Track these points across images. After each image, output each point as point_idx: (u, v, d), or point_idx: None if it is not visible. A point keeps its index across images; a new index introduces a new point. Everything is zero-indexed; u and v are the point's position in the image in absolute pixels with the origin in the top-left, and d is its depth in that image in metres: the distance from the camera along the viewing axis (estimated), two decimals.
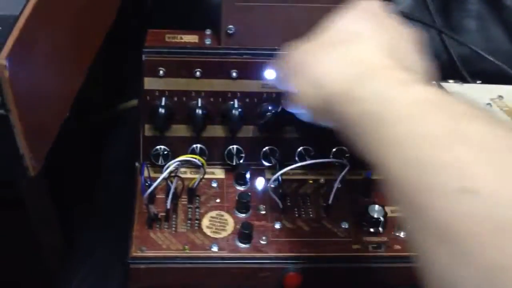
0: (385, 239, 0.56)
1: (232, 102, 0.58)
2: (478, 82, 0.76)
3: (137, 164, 0.59)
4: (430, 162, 0.33)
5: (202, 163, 0.56)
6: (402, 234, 0.56)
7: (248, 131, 0.59)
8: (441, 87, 0.71)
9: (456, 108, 0.35)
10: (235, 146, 0.59)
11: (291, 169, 0.57)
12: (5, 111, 0.35)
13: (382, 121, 0.36)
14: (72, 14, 0.44)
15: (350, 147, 0.57)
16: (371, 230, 0.56)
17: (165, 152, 0.58)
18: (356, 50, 0.42)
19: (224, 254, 0.53)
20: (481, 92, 0.72)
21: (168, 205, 0.55)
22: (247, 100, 0.58)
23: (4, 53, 0.33)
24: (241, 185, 0.59)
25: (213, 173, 0.60)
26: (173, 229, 0.55)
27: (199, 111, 0.57)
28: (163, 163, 0.57)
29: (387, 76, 0.39)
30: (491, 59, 0.79)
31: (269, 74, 0.56)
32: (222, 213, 0.57)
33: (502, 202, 0.29)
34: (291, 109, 0.49)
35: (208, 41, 0.58)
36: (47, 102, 0.40)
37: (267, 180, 0.59)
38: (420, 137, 0.34)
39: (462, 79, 0.77)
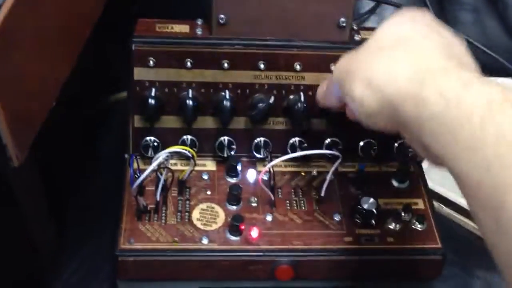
0: (377, 231, 0.55)
1: (223, 93, 0.57)
2: None
3: (126, 155, 0.58)
4: (505, 161, 0.32)
5: (193, 155, 0.56)
6: (394, 227, 0.56)
7: (239, 122, 0.58)
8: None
9: None
10: (226, 138, 0.58)
11: (283, 160, 0.57)
12: None
13: (452, 122, 0.35)
14: (58, 2, 0.43)
15: (344, 140, 0.57)
16: (364, 222, 0.56)
17: (155, 144, 0.57)
18: (414, 52, 0.41)
19: (215, 246, 0.53)
20: None
21: (158, 197, 0.54)
22: (239, 91, 0.57)
23: None
24: (232, 177, 0.58)
25: (204, 165, 0.59)
26: (163, 221, 0.54)
27: (189, 102, 0.56)
28: (153, 155, 0.56)
29: (451, 76, 0.38)
30: (487, 51, 0.79)
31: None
32: (213, 205, 0.56)
33: None
34: (352, 118, 0.47)
35: (199, 31, 0.57)
36: (32, 91, 0.39)
37: (259, 172, 0.58)
38: (492, 136, 0.33)
39: None
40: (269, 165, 0.56)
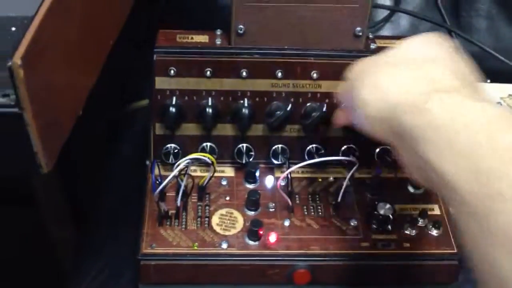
0: (394, 236, 0.56)
1: (242, 101, 0.58)
2: (488, 81, 0.76)
3: (147, 162, 0.60)
4: (497, 171, 0.34)
5: (212, 161, 0.57)
6: (411, 232, 0.57)
7: (257, 129, 0.60)
8: None
9: None
10: (244, 145, 0.59)
11: (300, 166, 0.58)
12: (19, 109, 0.36)
13: (450, 132, 0.37)
14: (86, 13, 0.44)
15: (360, 146, 0.58)
16: (380, 227, 0.56)
17: (176, 151, 0.59)
18: (426, 69, 0.43)
19: (234, 251, 0.54)
20: (491, 90, 0.72)
21: (178, 203, 0.55)
22: (257, 99, 0.59)
23: (19, 53, 0.34)
24: (250, 183, 0.59)
25: (223, 171, 0.60)
26: (183, 226, 0.55)
27: (209, 110, 0.57)
28: (174, 161, 0.58)
29: (456, 94, 0.40)
30: (501, 58, 0.79)
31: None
32: (232, 210, 0.57)
33: None
34: (354, 121, 0.49)
35: (218, 41, 0.58)
36: (61, 101, 0.41)
37: (277, 178, 0.59)
38: (487, 149, 0.35)
39: None
40: (287, 172, 0.57)
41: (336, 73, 0.58)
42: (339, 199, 0.57)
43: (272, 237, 0.55)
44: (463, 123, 0.37)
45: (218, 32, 0.59)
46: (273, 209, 0.57)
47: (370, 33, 0.61)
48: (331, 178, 0.61)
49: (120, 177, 0.72)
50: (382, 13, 0.82)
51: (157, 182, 0.56)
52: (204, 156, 0.57)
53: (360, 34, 0.58)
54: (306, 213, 0.58)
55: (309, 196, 0.59)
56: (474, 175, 0.35)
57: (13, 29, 0.42)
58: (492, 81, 0.75)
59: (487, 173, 0.34)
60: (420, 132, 0.39)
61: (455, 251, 0.56)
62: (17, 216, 0.81)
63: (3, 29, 0.42)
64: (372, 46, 0.60)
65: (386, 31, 0.82)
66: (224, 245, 0.54)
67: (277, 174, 0.60)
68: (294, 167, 0.57)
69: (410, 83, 0.42)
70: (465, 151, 0.36)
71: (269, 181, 0.60)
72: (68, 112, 0.42)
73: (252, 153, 0.60)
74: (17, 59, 0.34)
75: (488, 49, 0.79)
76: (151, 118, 0.59)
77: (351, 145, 0.60)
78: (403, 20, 0.82)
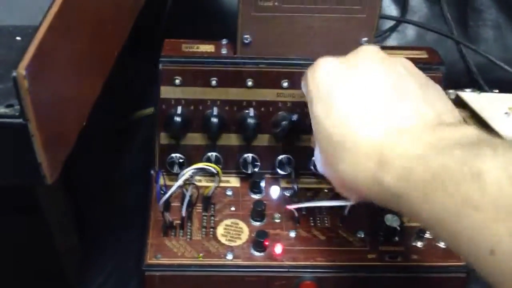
0: (401, 248, 0.56)
1: (247, 111, 0.58)
2: (495, 91, 0.76)
3: (152, 172, 0.59)
4: (458, 229, 0.34)
5: (217, 171, 0.57)
6: (418, 244, 0.56)
7: (263, 139, 0.59)
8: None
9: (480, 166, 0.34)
10: (250, 155, 0.59)
11: (306, 177, 0.57)
12: (24, 120, 0.36)
13: (412, 206, 0.38)
14: (91, 24, 0.44)
15: None
16: (387, 239, 0.56)
17: (181, 160, 0.58)
18: (385, 112, 0.42)
19: (239, 262, 0.54)
20: (498, 101, 0.71)
21: (183, 213, 0.55)
22: (263, 109, 0.58)
23: (23, 64, 0.34)
24: (256, 193, 0.59)
25: (228, 181, 0.60)
26: (188, 237, 0.55)
27: (214, 120, 0.57)
28: (179, 171, 0.57)
29: (419, 139, 0.39)
30: (508, 68, 0.79)
31: None
32: (237, 221, 0.57)
33: None
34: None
35: (224, 51, 0.58)
36: (66, 111, 0.41)
37: (283, 189, 0.59)
38: (443, 212, 0.35)
39: (480, 88, 0.77)
40: (294, 184, 0.56)
41: None
42: (346, 211, 0.57)
43: (278, 248, 0.54)
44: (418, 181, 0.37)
45: (224, 41, 0.59)
46: (279, 220, 0.57)
47: (376, 44, 0.60)
48: None
49: (125, 186, 0.71)
50: (389, 23, 0.81)
51: (162, 192, 0.55)
52: (209, 166, 0.57)
53: (367, 43, 0.58)
54: (312, 224, 0.57)
55: (316, 207, 0.59)
56: (447, 234, 0.35)
57: (18, 38, 0.42)
58: (499, 91, 0.75)
59: (455, 230, 0.34)
60: (391, 190, 0.39)
61: (463, 263, 0.55)
62: (22, 225, 0.81)
63: (8, 39, 0.42)
64: None
65: (392, 41, 0.81)
66: (230, 256, 0.54)
67: (283, 185, 0.60)
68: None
69: (372, 132, 0.41)
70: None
71: (274, 191, 0.59)
72: (72, 123, 0.42)
73: (258, 163, 0.59)
74: (21, 69, 0.34)
75: (495, 60, 0.79)
76: (156, 128, 0.59)
77: None
78: (410, 30, 0.82)
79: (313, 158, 0.51)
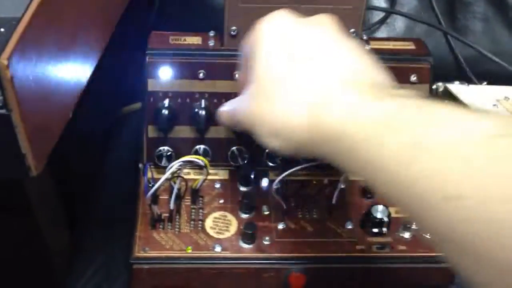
0: (389, 239, 0.56)
1: None
2: (484, 83, 0.76)
3: (140, 165, 0.59)
4: (405, 180, 0.33)
5: (206, 164, 0.57)
6: (406, 235, 0.56)
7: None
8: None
9: (417, 120, 0.34)
10: (238, 147, 0.59)
11: (295, 170, 0.57)
12: (7, 111, 0.35)
13: (352, 146, 0.37)
14: (76, 14, 0.44)
15: None
16: (375, 230, 0.56)
17: (169, 153, 0.58)
18: (303, 87, 0.41)
19: (228, 254, 0.54)
20: (487, 93, 0.71)
21: (172, 206, 0.55)
22: None
23: (6, 54, 0.34)
24: (244, 186, 0.59)
25: (216, 174, 0.60)
26: (177, 229, 0.55)
27: (202, 112, 0.57)
28: (167, 164, 0.57)
29: (346, 100, 0.38)
30: (497, 60, 0.79)
31: None
32: (226, 213, 0.57)
33: (488, 200, 0.29)
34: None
35: (211, 43, 0.58)
36: (50, 102, 0.41)
37: (271, 181, 0.59)
38: (387, 158, 0.34)
39: (468, 81, 0.77)
40: (282, 175, 0.56)
41: None
42: (333, 202, 0.57)
43: (266, 241, 0.54)
44: (360, 134, 0.36)
45: (211, 33, 0.59)
46: (268, 212, 0.57)
47: (364, 35, 0.60)
48: (326, 181, 0.60)
49: (114, 180, 0.71)
50: (378, 15, 0.81)
51: (150, 185, 0.55)
52: (197, 158, 0.57)
53: (354, 35, 0.58)
54: (300, 216, 0.57)
55: (304, 199, 0.59)
56: (391, 186, 0.34)
57: (2, 30, 0.42)
58: (488, 83, 0.75)
59: (400, 182, 0.33)
60: (336, 158, 0.38)
61: None
62: (10, 219, 0.80)
63: None
64: (366, 47, 0.59)
65: (381, 33, 0.81)
66: (218, 249, 0.54)
67: (272, 177, 0.59)
68: (289, 171, 0.56)
69: (295, 114, 0.40)
70: (371, 164, 0.35)
71: (263, 183, 0.59)
72: (57, 114, 0.42)
73: (246, 155, 0.59)
74: (3, 59, 0.34)
75: (485, 52, 0.79)
76: (144, 121, 0.58)
77: None
78: (399, 22, 0.82)
79: (228, 108, 0.50)
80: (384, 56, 0.58)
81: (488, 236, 0.29)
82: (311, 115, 0.39)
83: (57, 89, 0.42)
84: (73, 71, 0.45)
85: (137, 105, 0.75)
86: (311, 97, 0.40)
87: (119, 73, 0.76)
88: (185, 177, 0.57)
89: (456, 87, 0.72)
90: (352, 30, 0.57)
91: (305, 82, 0.41)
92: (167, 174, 0.54)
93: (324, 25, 0.45)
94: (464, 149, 0.31)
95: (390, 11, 0.81)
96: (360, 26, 0.58)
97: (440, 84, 0.71)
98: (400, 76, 0.57)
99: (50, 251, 0.77)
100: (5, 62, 0.33)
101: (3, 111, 0.35)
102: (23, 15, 0.37)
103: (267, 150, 0.59)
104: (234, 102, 0.48)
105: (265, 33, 0.45)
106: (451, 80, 0.73)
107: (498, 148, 0.30)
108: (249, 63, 0.45)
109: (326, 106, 0.38)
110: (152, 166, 0.58)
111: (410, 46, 0.60)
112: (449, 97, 0.71)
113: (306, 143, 0.40)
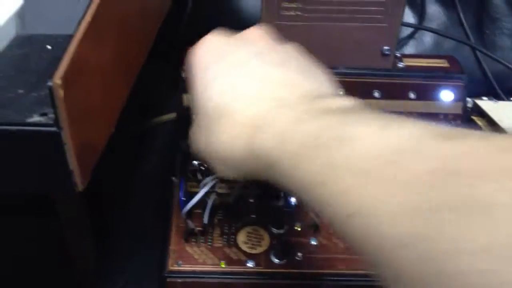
0: None
1: None
2: None
3: (174, 179, 0.59)
4: (321, 200, 0.33)
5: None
6: None
7: None
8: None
9: (334, 139, 0.33)
10: None
11: None
12: (58, 129, 0.36)
13: (282, 173, 0.36)
14: (120, 32, 0.45)
15: None
16: None
17: (202, 168, 0.59)
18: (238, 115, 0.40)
19: (260, 269, 0.54)
20: None
21: (205, 220, 0.55)
22: None
23: (59, 73, 0.34)
24: (277, 201, 0.59)
25: (249, 188, 0.60)
26: (209, 243, 0.55)
27: None
28: (200, 178, 0.58)
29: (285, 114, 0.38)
30: None
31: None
32: (258, 228, 0.57)
33: (381, 218, 0.29)
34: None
35: None
36: (96, 120, 0.41)
37: None
38: (307, 183, 0.34)
39: (496, 96, 0.77)
40: None
41: (363, 92, 0.58)
42: None
43: (299, 256, 0.54)
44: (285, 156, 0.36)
45: None
46: (300, 228, 0.57)
47: (397, 52, 0.61)
48: None
49: (143, 192, 0.72)
50: (406, 30, 0.82)
51: (184, 199, 0.56)
52: None
53: (388, 53, 0.58)
54: (333, 232, 0.57)
55: None
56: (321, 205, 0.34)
57: (49, 47, 0.43)
58: None
59: (322, 200, 0.33)
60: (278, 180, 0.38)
61: None
62: (38, 228, 0.81)
63: (39, 47, 0.43)
64: (400, 65, 0.60)
65: (410, 48, 0.82)
66: (250, 264, 0.54)
67: None
68: None
69: (235, 142, 0.40)
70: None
71: (295, 199, 0.59)
72: (102, 130, 0.42)
73: None
74: (57, 79, 0.34)
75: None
76: (179, 135, 0.59)
77: None
78: (427, 37, 0.82)
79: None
80: (417, 74, 0.60)
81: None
82: (248, 144, 0.39)
83: (102, 105, 0.42)
84: (117, 86, 0.45)
85: (169, 116, 0.75)
86: (247, 127, 0.39)
87: (149, 84, 0.77)
88: (219, 191, 0.57)
89: (485, 103, 0.72)
90: (386, 47, 0.58)
91: (240, 110, 0.40)
92: (204, 190, 0.54)
93: (256, 37, 0.45)
94: (362, 164, 0.31)
95: (418, 27, 0.81)
96: (394, 44, 0.58)
97: (469, 99, 0.71)
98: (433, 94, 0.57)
99: (75, 262, 0.78)
100: (59, 82, 0.34)
101: (54, 129, 0.36)
102: (74, 33, 0.38)
103: None
104: (190, 132, 0.47)
105: (197, 56, 0.45)
106: (479, 96, 0.73)
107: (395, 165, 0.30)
108: (191, 91, 0.45)
109: (259, 135, 0.38)
110: (185, 179, 0.58)
111: (443, 64, 0.60)
112: (479, 113, 0.71)
113: (252, 170, 0.40)
